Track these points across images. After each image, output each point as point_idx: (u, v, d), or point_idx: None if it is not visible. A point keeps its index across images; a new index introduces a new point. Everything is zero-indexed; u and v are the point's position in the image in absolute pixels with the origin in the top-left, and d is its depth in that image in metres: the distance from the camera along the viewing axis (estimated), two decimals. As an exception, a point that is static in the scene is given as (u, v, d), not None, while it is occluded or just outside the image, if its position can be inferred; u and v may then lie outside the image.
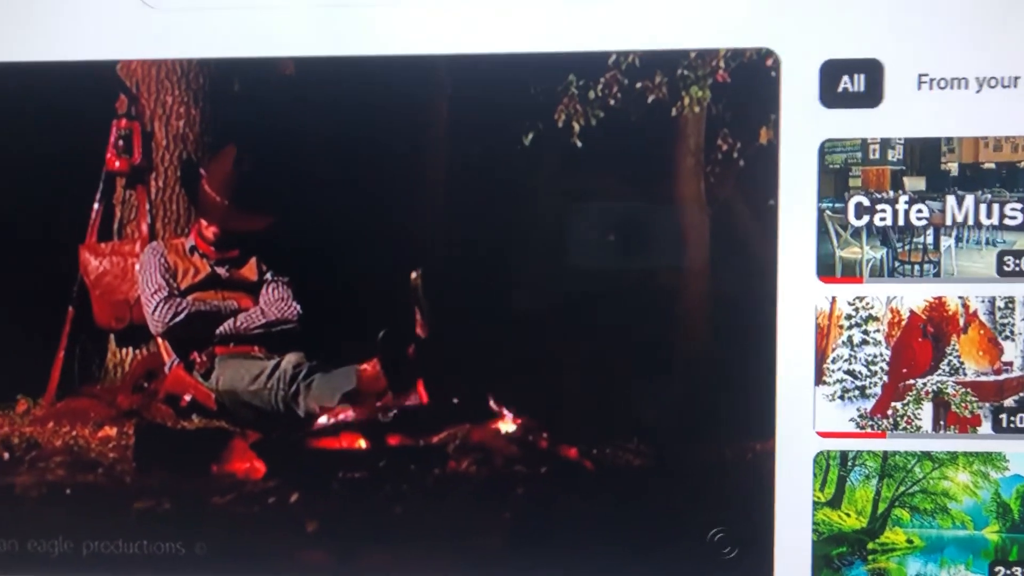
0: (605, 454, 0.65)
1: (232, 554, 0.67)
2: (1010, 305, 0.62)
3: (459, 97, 0.63)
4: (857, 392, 0.64)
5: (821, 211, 0.63)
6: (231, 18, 0.63)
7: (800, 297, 0.63)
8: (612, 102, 0.63)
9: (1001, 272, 0.62)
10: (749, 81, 0.62)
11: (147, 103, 0.66)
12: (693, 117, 0.63)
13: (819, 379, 0.64)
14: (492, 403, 0.66)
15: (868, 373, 0.63)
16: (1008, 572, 0.64)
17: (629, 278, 0.65)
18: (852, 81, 0.61)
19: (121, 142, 0.66)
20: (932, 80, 0.61)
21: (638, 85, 0.63)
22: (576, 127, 0.63)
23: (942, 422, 0.63)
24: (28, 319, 0.67)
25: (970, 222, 0.62)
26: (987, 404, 0.63)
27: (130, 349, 0.69)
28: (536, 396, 0.66)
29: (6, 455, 0.68)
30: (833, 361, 0.63)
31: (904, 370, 0.63)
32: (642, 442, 0.65)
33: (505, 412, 0.66)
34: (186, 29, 0.64)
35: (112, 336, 0.69)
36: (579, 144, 0.63)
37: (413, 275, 0.65)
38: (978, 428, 0.63)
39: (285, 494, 0.66)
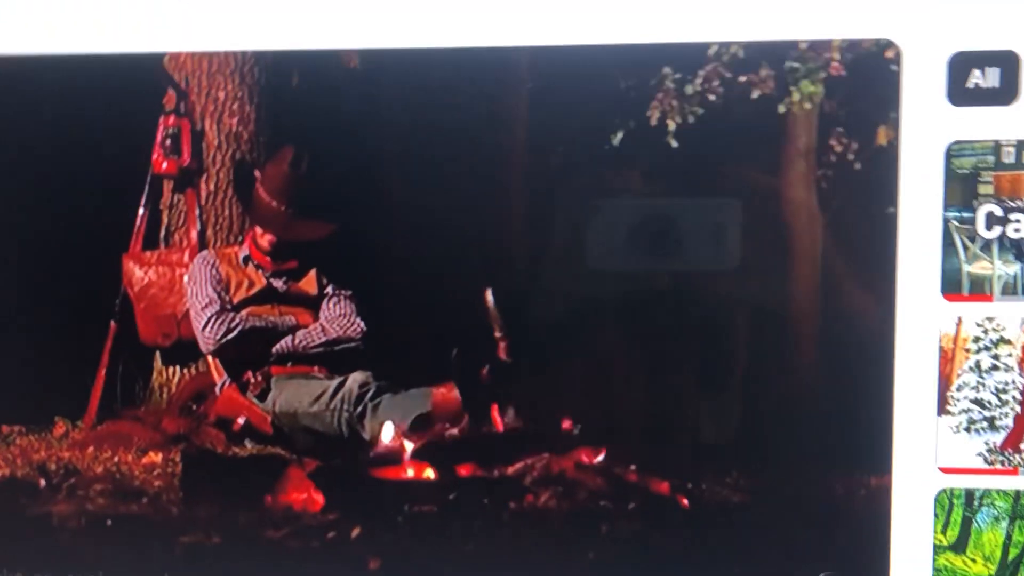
0: (700, 489, 0.63)
1: (287, 593, 0.65)
2: None
3: (541, 93, 0.62)
4: (985, 424, 0.60)
5: (947, 221, 0.60)
6: (290, 5, 0.62)
7: (922, 317, 0.60)
8: (712, 98, 0.61)
9: None
10: (867, 75, 0.59)
11: (197, 99, 0.65)
12: (803, 115, 0.61)
13: (942, 409, 0.60)
14: (575, 431, 0.64)
15: (998, 403, 0.60)
16: None
17: (730, 296, 0.62)
18: (984, 75, 0.59)
19: (169, 141, 0.65)
20: (1077, 74, 0.58)
21: (741, 79, 0.61)
22: (671, 125, 0.61)
23: (1085, 459, 0.60)
24: (67, 334, 0.66)
25: (1118, 235, 0.59)
26: None
27: (178, 368, 0.68)
28: (624, 424, 0.64)
29: (42, 482, 0.66)
30: (958, 389, 0.60)
31: (1041, 400, 0.60)
32: (742, 476, 0.63)
33: (589, 440, 0.64)
34: (241, 18, 0.62)
35: (158, 354, 0.68)
36: (674, 144, 0.61)
37: (488, 293, 0.63)
38: (1126, 466, 0.60)
39: (346, 528, 0.64)
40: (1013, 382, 0.60)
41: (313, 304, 0.67)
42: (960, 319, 0.60)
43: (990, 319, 0.60)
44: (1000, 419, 0.60)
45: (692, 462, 0.63)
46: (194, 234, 0.67)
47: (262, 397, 0.66)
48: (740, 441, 0.63)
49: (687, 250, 0.62)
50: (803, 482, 0.62)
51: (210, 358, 0.67)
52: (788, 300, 0.62)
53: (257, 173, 0.65)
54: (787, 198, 0.62)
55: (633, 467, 0.63)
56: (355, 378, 0.66)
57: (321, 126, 0.63)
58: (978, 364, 0.60)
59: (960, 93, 0.59)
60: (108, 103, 0.64)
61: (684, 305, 0.63)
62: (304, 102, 0.63)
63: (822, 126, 0.61)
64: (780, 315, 0.62)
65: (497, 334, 0.63)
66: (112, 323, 0.67)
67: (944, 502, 0.61)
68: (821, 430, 0.62)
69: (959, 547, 0.61)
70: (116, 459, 0.66)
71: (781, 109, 0.61)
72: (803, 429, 0.62)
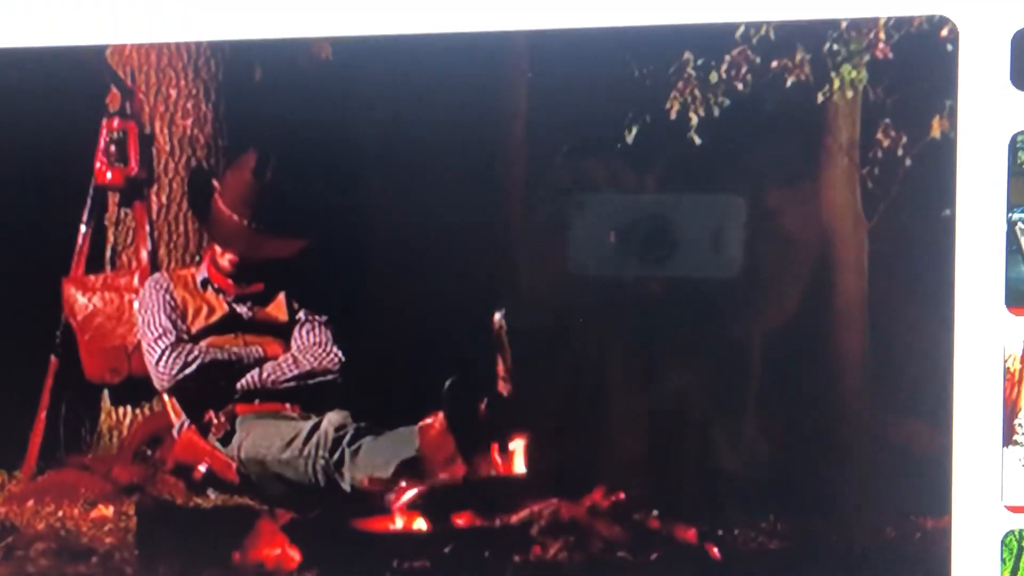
0: (733, 536, 0.61)
1: (260, 662, 0.64)
2: None
3: (543, 84, 0.60)
4: (1060, 456, 0.59)
5: (1012, 223, 0.58)
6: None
7: (984, 334, 0.58)
8: (740, 87, 0.60)
9: None
10: (918, 58, 0.58)
11: (145, 98, 0.65)
12: (845, 104, 0.59)
13: (1008, 439, 0.58)
14: (588, 471, 0.62)
15: (1074, 431, 0.59)
16: None
17: (763, 313, 0.60)
18: (1054, 55, 0.57)
19: (113, 148, 0.65)
20: None
21: (774, 64, 0.59)
22: (694, 119, 0.60)
23: None
24: (0, 372, 0.65)
25: None
26: None
27: (129, 408, 0.67)
28: (645, 463, 0.62)
29: (-25, 541, 0.65)
30: (1027, 416, 0.59)
31: (1121, 428, 0.59)
32: (780, 520, 0.61)
33: (604, 482, 0.62)
34: (193, 3, 0.61)
35: (106, 392, 0.67)
36: (697, 141, 0.60)
37: (496, 316, 0.61)
38: None
39: (326, 588, 0.63)
40: (1090, 407, 0.59)
41: (283, 332, 0.66)
42: (1029, 336, 0.59)
43: (1063, 336, 0.59)
44: (1076, 450, 0.59)
45: (722, 505, 0.62)
46: (144, 254, 0.66)
47: (226, 441, 0.65)
48: (777, 480, 0.61)
49: (712, 261, 0.60)
50: (849, 526, 0.61)
51: (166, 396, 0.66)
52: (831, 318, 0.61)
53: (215, 183, 0.65)
54: (828, 200, 0.61)
55: (655, 512, 0.62)
56: (331, 419, 0.65)
57: (288, 127, 0.62)
58: (1050, 387, 0.59)
59: (1027, 76, 0.58)
60: (42, 104, 0.63)
61: (709, 328, 0.61)
62: (268, 100, 0.62)
63: (867, 117, 0.59)
64: (822, 335, 0.60)
65: (501, 371, 0.61)
66: (53, 358, 0.66)
67: (1012, 545, 0.59)
68: (870, 466, 0.60)
69: (1030, 596, 0.60)
70: (60, 514, 0.65)
71: (820, 98, 0.59)
72: (849, 465, 0.61)
